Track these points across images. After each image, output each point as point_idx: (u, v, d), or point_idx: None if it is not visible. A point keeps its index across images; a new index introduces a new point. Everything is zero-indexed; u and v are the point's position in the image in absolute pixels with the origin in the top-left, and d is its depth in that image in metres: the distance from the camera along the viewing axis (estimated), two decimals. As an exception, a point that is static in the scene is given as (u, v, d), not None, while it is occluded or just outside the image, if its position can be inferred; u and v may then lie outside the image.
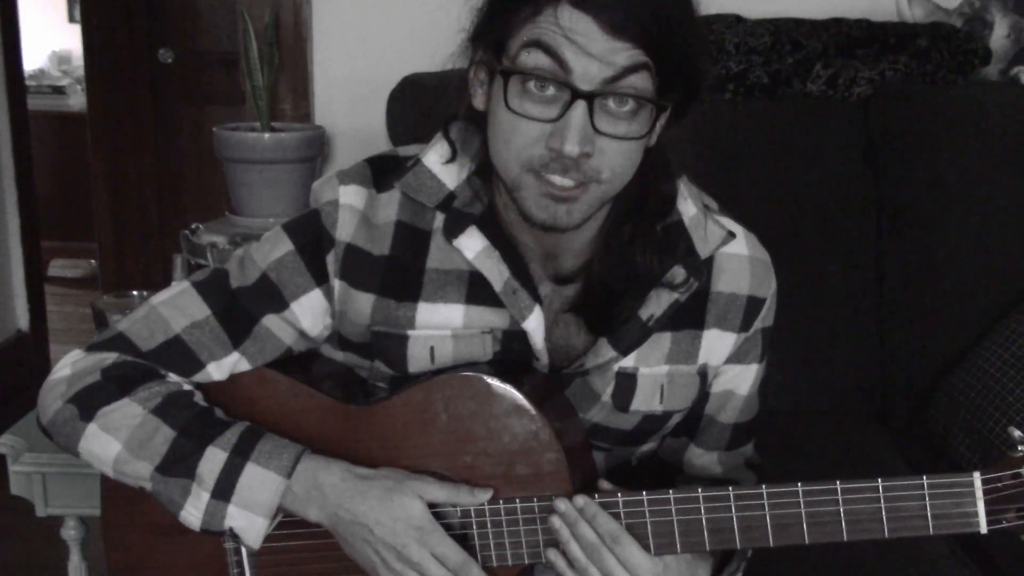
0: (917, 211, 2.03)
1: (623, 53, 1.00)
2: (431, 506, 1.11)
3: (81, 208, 4.69)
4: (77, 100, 5.21)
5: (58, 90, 5.35)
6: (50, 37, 5.68)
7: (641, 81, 1.02)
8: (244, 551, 1.19)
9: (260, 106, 2.38)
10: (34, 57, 5.40)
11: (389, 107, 2.18)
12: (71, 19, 5.64)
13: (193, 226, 2.36)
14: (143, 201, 4.28)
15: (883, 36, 2.18)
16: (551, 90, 1.02)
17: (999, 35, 2.34)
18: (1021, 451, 1.04)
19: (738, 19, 2.24)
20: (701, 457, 1.30)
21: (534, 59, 1.02)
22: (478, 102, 1.12)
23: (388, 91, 2.17)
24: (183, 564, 1.23)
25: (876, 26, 2.21)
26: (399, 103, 2.16)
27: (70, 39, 5.53)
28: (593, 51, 1.00)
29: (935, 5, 2.36)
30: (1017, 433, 1.04)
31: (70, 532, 1.96)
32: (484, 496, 1.12)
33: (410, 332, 1.18)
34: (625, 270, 1.16)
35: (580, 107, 1.01)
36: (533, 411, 1.11)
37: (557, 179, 1.04)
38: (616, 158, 1.05)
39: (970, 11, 2.35)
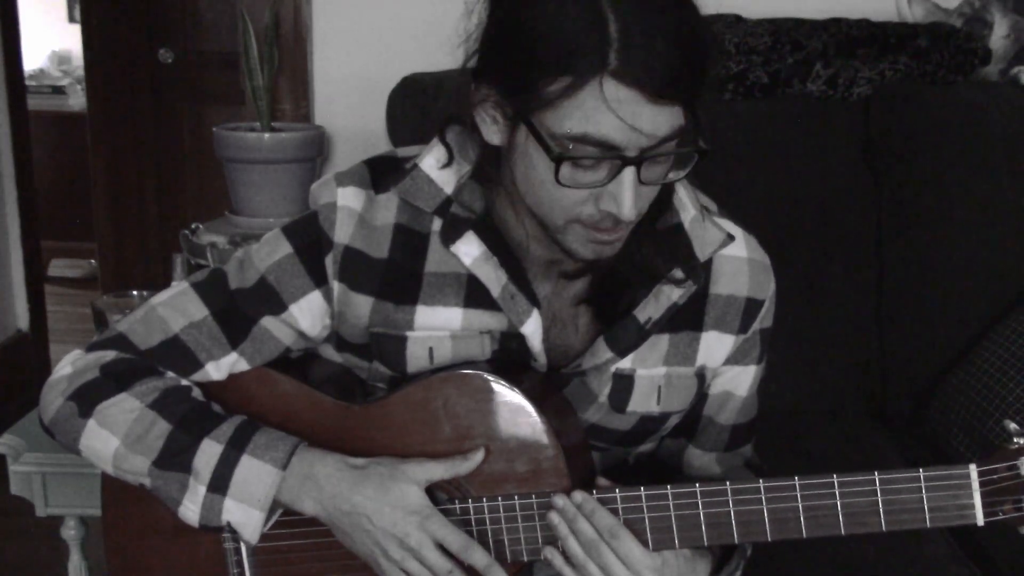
0: (917, 211, 2.03)
1: (667, 116, 0.99)
2: (433, 501, 1.11)
3: (81, 208, 4.69)
4: (77, 100, 5.21)
5: (58, 90, 5.35)
6: (50, 37, 5.68)
7: (679, 133, 1.02)
8: (244, 551, 1.20)
9: (260, 106, 2.38)
10: (34, 57, 5.40)
11: (389, 107, 2.18)
12: (71, 19, 5.63)
13: (193, 226, 2.37)
14: (143, 201, 4.28)
15: (883, 36, 2.18)
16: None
17: (999, 35, 2.34)
18: (1017, 443, 1.04)
19: (738, 19, 2.24)
20: (700, 458, 1.30)
21: (584, 149, 1.00)
22: (493, 138, 1.09)
23: (388, 91, 2.17)
24: (183, 564, 1.23)
25: (876, 26, 2.21)
26: (399, 103, 2.16)
27: (70, 39, 5.53)
28: (641, 125, 0.98)
29: (935, 5, 2.36)
30: (1012, 426, 1.05)
31: (70, 532, 1.96)
32: (478, 456, 1.12)
33: (408, 333, 1.18)
34: (629, 262, 1.16)
35: (630, 173, 1.01)
36: (532, 409, 1.11)
37: (605, 234, 1.06)
38: (654, 192, 1.07)
39: (970, 11, 2.35)
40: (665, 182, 1.05)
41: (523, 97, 1.01)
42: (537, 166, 1.04)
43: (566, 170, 1.01)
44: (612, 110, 0.97)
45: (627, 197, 1.02)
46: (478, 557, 1.11)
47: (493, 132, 1.09)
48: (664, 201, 1.16)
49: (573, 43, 0.96)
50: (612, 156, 1.00)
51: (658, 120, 0.99)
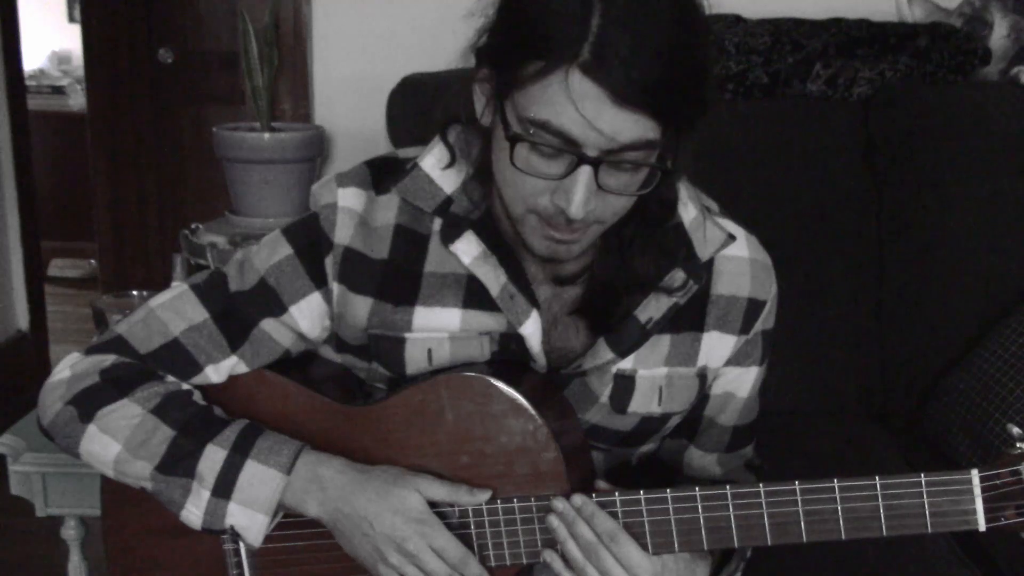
0: (917, 211, 2.03)
1: (632, 123, 0.97)
2: (431, 505, 1.11)
3: (81, 208, 4.69)
4: (77, 100, 5.21)
5: (58, 90, 5.35)
6: (50, 37, 5.69)
7: (646, 145, 1.00)
8: (243, 552, 1.20)
9: (260, 106, 2.38)
10: (34, 57, 5.41)
11: (389, 107, 2.18)
12: (71, 19, 5.64)
13: (193, 226, 2.37)
14: (143, 201, 4.28)
15: (883, 36, 2.18)
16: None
17: (999, 35, 2.34)
18: (1020, 448, 1.03)
19: (738, 19, 2.24)
20: (701, 459, 1.30)
21: (543, 137, 0.99)
22: (482, 118, 1.10)
23: (388, 91, 2.17)
24: (183, 564, 1.23)
25: (876, 26, 2.21)
26: (399, 103, 2.16)
27: (70, 39, 5.54)
28: (601, 126, 0.97)
29: (935, 5, 2.36)
30: (1016, 430, 1.04)
31: (70, 532, 1.96)
32: (483, 496, 1.12)
33: (407, 335, 1.18)
34: (626, 272, 1.16)
35: (585, 171, 1.00)
36: (532, 411, 1.11)
37: (559, 232, 1.05)
38: (618, 204, 1.05)
39: (970, 11, 2.35)
40: (628, 194, 1.04)
41: (504, 75, 1.02)
42: (503, 154, 1.04)
43: (523, 153, 1.01)
44: (573, 102, 0.96)
45: (578, 195, 1.00)
46: (473, 571, 1.11)
47: (485, 114, 1.09)
48: (666, 207, 1.15)
49: (553, 29, 0.97)
50: (570, 151, 0.99)
51: (620, 124, 0.97)
